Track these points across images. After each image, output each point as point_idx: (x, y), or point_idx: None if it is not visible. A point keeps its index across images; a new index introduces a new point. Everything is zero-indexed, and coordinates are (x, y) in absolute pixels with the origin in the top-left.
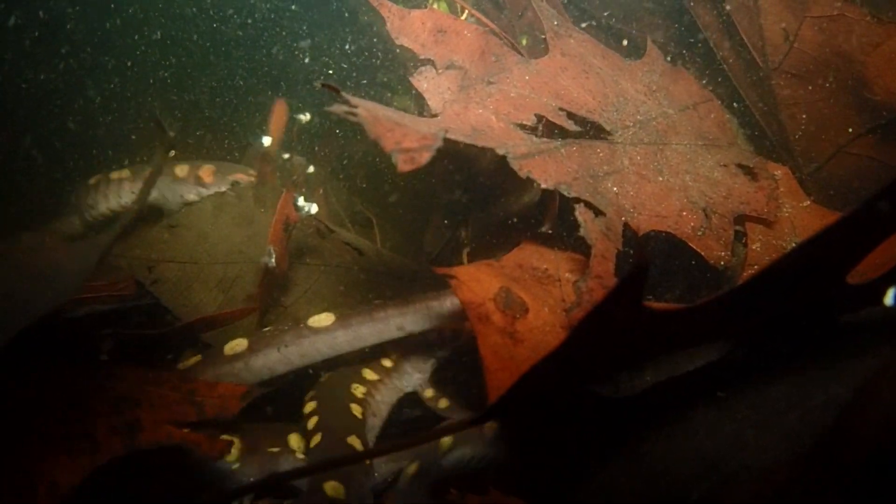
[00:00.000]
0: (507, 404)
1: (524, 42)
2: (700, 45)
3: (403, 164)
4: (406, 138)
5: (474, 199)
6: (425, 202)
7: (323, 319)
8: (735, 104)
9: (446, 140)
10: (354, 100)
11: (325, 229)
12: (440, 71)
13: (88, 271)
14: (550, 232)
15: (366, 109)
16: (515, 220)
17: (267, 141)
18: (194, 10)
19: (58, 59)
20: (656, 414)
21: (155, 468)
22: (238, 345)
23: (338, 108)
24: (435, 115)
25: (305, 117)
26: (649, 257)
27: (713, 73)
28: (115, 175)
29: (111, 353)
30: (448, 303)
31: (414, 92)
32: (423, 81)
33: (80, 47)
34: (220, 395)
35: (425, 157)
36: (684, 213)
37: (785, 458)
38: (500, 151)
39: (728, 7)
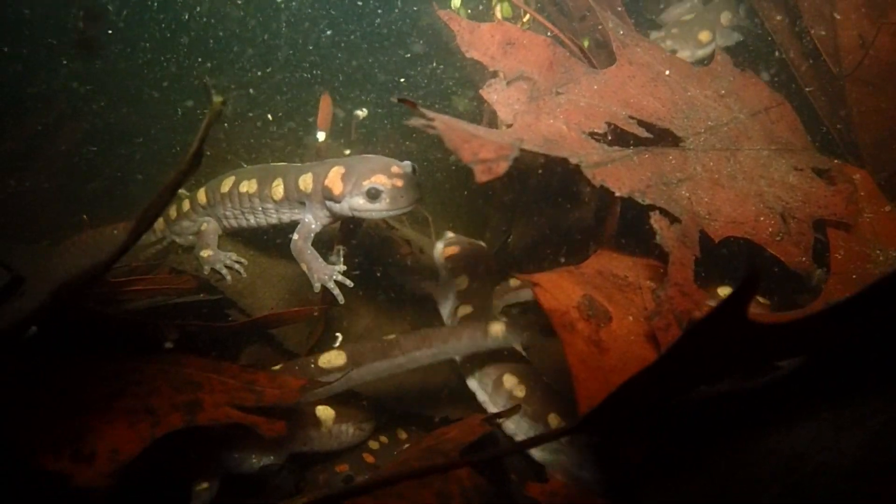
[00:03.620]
0: (602, 416)
1: (586, 44)
2: (768, 50)
3: (481, 175)
4: (483, 149)
5: (522, 201)
6: (482, 201)
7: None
8: (804, 110)
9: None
10: (431, 113)
11: (387, 226)
12: (509, 83)
13: (130, 240)
14: (611, 241)
15: (442, 122)
16: (569, 225)
17: (321, 136)
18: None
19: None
20: (733, 412)
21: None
22: (335, 357)
23: (416, 122)
24: (508, 126)
25: (363, 113)
26: (760, 269)
27: (781, 79)
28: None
29: (176, 343)
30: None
31: (471, 94)
32: (493, 93)
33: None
34: (279, 385)
35: (503, 168)
36: (761, 219)
37: (869, 464)
38: (574, 160)
39: (801, 13)
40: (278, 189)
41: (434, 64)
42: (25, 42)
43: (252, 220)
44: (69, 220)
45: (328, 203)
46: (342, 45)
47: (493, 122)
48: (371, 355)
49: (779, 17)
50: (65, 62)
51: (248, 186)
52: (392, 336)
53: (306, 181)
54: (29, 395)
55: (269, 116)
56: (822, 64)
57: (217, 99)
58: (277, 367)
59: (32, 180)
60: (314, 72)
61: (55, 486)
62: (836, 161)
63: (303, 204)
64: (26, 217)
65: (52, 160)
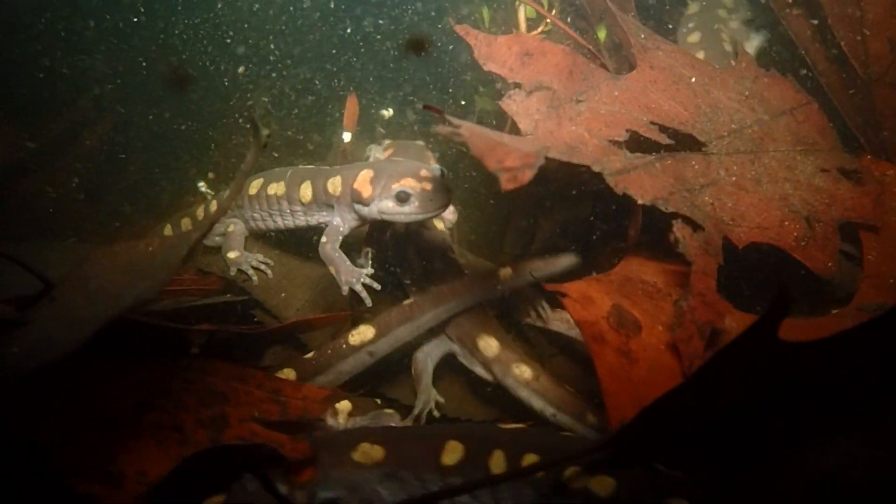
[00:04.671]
0: (632, 434)
1: (602, 34)
2: (791, 54)
3: (507, 183)
4: (508, 157)
5: (546, 202)
6: (505, 202)
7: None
8: (829, 112)
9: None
10: (456, 120)
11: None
12: (529, 93)
13: (177, 264)
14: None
15: (468, 130)
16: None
17: (347, 136)
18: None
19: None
20: (766, 429)
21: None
22: (365, 332)
23: (443, 129)
24: (528, 135)
25: (388, 113)
26: (789, 292)
27: (804, 84)
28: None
29: (202, 348)
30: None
31: (494, 93)
32: (513, 104)
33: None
34: (303, 396)
35: (528, 176)
36: (786, 223)
37: None
38: (596, 168)
39: (827, 18)
40: (306, 192)
41: (458, 63)
42: (52, 41)
43: (279, 222)
44: (94, 217)
45: (356, 206)
46: (364, 44)
47: (515, 127)
48: (396, 322)
49: (803, 22)
50: (91, 62)
51: (276, 189)
52: (410, 300)
53: (335, 184)
54: (55, 408)
55: (294, 116)
56: (849, 68)
57: (264, 132)
58: (309, 356)
59: (61, 179)
60: (338, 72)
61: None
62: (868, 157)
63: (331, 207)
64: (53, 214)
65: (79, 159)
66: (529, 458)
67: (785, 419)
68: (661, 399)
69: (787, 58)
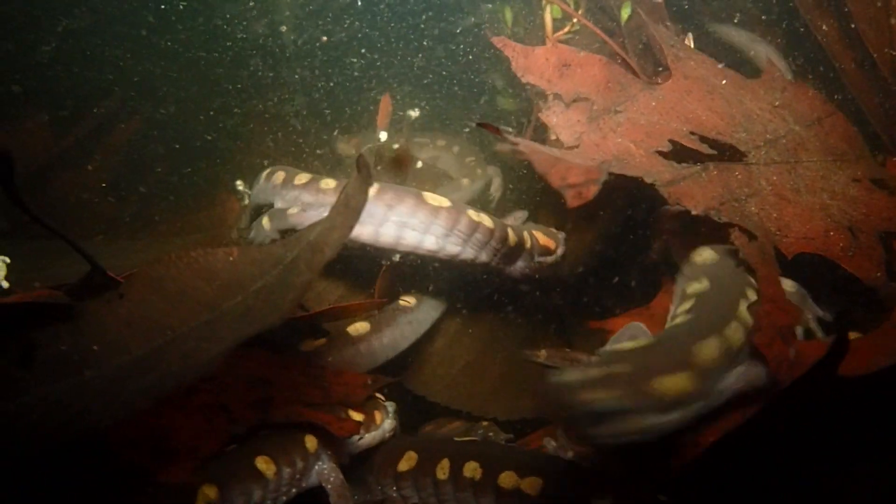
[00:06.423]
0: (696, 478)
1: (626, 13)
2: (818, 60)
3: (572, 200)
4: (571, 174)
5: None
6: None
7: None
8: (854, 118)
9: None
10: (515, 138)
11: None
12: (568, 105)
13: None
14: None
15: (527, 147)
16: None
17: (383, 136)
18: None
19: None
20: (825, 448)
21: None
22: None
23: (503, 147)
24: (573, 147)
25: (415, 113)
26: (846, 331)
27: (832, 90)
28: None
29: None
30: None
31: (523, 94)
32: (553, 116)
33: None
34: (345, 382)
35: (592, 192)
36: (831, 233)
37: None
38: (648, 180)
39: (855, 22)
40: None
41: (480, 64)
42: (83, 40)
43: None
44: (121, 216)
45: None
46: (386, 45)
47: (538, 129)
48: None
49: (829, 25)
50: (120, 62)
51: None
52: None
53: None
54: None
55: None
56: (877, 74)
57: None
58: (362, 325)
59: (89, 178)
60: (366, 73)
61: (140, 480)
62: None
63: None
64: (80, 212)
65: (107, 157)
66: (471, 465)
67: (842, 447)
68: (722, 440)
69: (811, 62)
